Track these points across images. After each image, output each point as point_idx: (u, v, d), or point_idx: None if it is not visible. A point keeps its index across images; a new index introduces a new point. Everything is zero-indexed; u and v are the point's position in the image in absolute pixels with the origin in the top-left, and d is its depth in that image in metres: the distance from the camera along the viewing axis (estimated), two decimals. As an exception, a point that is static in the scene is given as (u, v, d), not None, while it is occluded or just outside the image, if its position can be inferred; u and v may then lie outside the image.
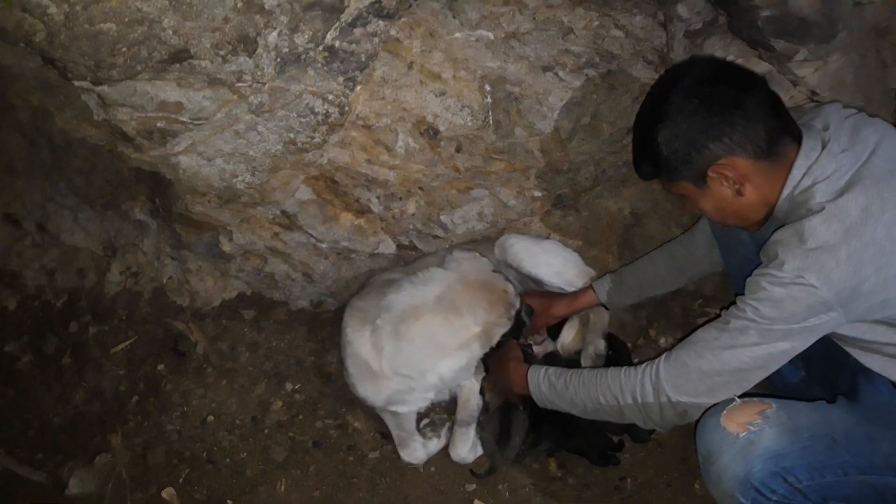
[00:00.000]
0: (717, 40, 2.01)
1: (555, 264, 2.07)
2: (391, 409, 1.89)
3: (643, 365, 1.52)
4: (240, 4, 1.24)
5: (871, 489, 1.37)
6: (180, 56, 1.28)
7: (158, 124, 1.42)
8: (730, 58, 2.07)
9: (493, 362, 1.89)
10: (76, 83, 1.29)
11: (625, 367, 1.56)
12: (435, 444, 1.96)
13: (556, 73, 1.83)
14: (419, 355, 1.77)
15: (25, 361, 2.05)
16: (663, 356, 1.49)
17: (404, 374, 1.80)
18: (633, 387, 1.49)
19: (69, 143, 1.87)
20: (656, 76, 2.01)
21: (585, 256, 2.26)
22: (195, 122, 1.44)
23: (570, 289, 2.05)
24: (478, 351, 1.77)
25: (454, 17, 1.64)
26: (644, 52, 1.92)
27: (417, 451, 1.93)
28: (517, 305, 1.84)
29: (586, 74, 1.88)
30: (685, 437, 1.88)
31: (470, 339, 1.76)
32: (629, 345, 2.18)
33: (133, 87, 1.33)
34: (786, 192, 1.39)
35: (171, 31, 1.23)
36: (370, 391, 1.86)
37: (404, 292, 1.80)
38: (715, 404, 1.43)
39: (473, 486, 1.89)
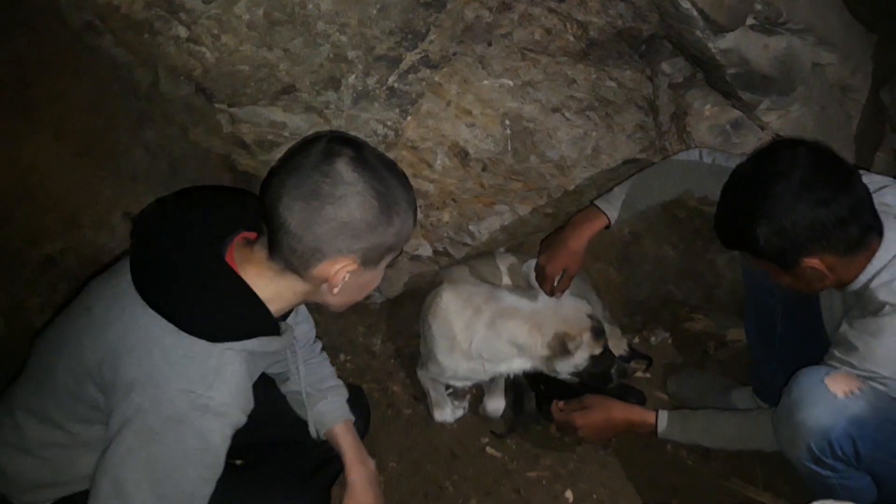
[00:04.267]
0: (696, 91, 2.45)
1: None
2: (453, 382, 2.26)
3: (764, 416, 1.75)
4: (332, 55, 1.78)
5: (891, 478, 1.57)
6: (288, 90, 1.82)
7: (268, 137, 1.95)
8: (707, 106, 2.52)
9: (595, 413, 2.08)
10: (216, 105, 1.85)
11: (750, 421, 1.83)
12: (461, 412, 2.39)
13: (563, 114, 2.31)
14: (500, 349, 2.07)
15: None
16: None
17: (483, 359, 2.09)
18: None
19: (183, 158, 2.43)
20: (646, 118, 2.46)
21: (591, 268, 2.69)
22: (293, 136, 1.96)
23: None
24: (538, 365, 2.10)
25: (483, 69, 2.15)
26: (635, 99, 2.39)
27: (447, 412, 2.36)
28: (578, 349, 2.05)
29: (587, 115, 2.35)
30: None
31: (537, 356, 2.06)
32: (627, 341, 2.59)
33: (254, 110, 1.87)
34: (863, 278, 1.55)
35: (284, 72, 1.78)
36: (448, 361, 2.17)
37: (514, 296, 2.12)
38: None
39: (486, 439, 2.32)
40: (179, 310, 1.22)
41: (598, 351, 2.07)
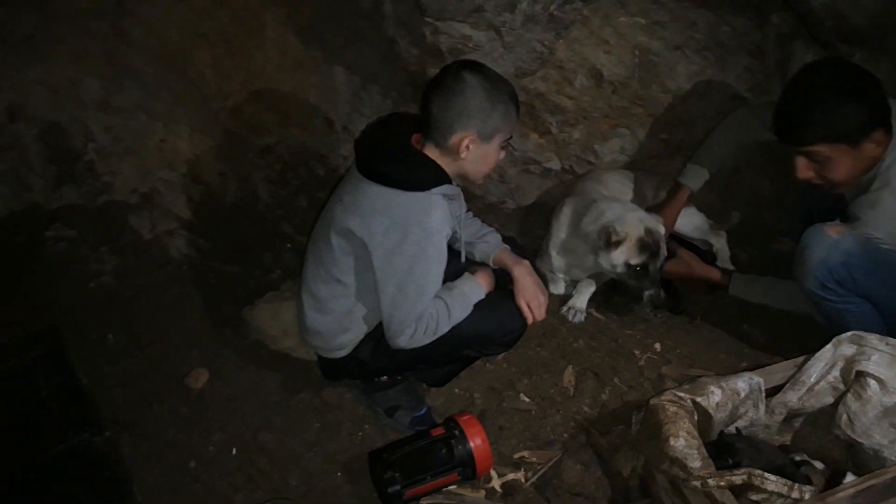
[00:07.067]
0: (799, 42, 2.89)
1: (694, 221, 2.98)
2: (551, 273, 2.90)
3: None
4: (511, -15, 2.44)
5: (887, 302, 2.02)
6: (478, 9, 2.47)
7: (458, 46, 2.59)
8: (808, 55, 2.95)
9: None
10: (426, 19, 2.52)
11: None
12: (570, 288, 2.96)
13: (683, 51, 2.84)
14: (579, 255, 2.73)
15: (328, 204, 3.34)
16: None
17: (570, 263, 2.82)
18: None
19: (375, 75, 3.13)
20: (754, 62, 2.94)
21: (698, 196, 3.20)
22: (475, 48, 2.59)
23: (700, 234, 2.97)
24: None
25: (622, 8, 2.72)
26: (745, 44, 2.88)
27: (560, 286, 2.93)
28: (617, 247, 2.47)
29: (704, 55, 2.86)
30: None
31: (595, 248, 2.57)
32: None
33: (451, 24, 2.52)
34: (884, 163, 2.03)
35: (476, -2, 2.45)
36: (553, 252, 2.84)
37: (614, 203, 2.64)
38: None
39: (593, 308, 2.88)
40: (401, 179, 1.92)
41: (634, 260, 2.43)
